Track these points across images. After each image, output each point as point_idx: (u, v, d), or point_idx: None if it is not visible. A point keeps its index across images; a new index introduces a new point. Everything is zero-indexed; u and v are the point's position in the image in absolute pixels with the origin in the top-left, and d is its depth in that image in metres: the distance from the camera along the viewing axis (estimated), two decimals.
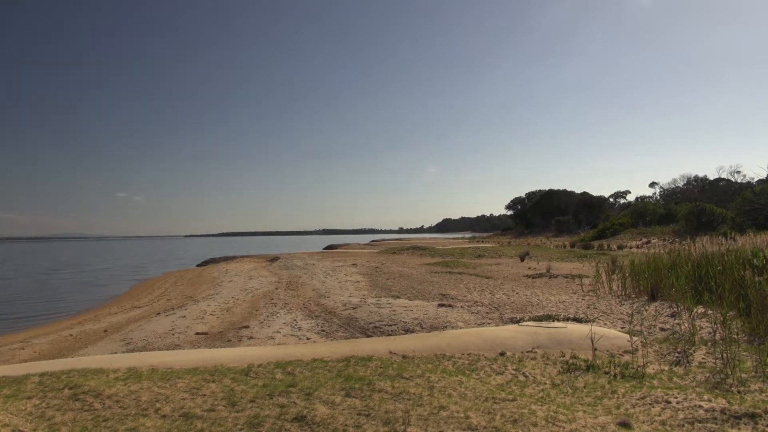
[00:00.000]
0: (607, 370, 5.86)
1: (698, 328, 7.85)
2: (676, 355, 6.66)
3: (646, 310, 10.42)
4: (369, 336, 9.77)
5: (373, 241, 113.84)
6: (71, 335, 12.45)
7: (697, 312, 8.78)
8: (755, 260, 10.17)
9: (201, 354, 7.07)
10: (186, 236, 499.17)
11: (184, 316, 13.31)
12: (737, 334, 6.97)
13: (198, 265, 41.22)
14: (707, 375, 5.54)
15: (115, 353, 9.03)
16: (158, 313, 14.69)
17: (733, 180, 67.46)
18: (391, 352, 6.74)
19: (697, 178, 74.03)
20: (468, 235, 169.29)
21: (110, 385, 4.84)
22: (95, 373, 5.40)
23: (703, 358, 6.33)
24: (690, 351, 6.73)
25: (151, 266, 46.09)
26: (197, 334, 10.87)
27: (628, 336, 7.24)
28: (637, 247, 36.59)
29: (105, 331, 12.69)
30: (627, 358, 6.50)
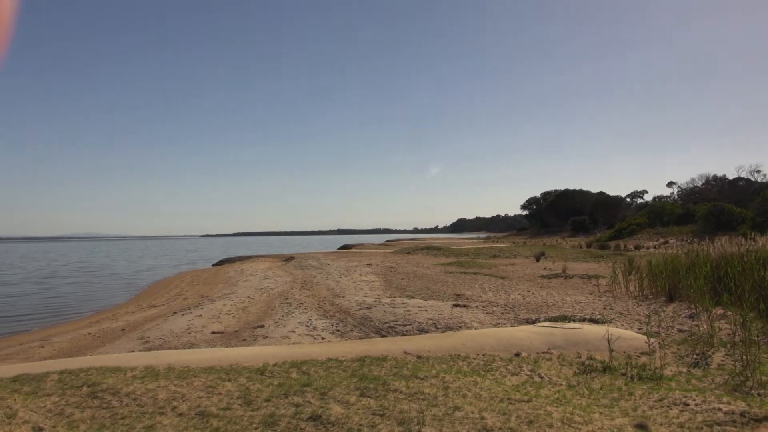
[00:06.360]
0: (623, 371, 5.80)
1: (717, 330, 7.74)
2: (695, 356, 6.57)
3: (664, 311, 10.29)
4: (384, 336, 9.78)
5: (387, 241, 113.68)
6: (90, 334, 12.62)
7: (715, 313, 8.65)
8: None
9: (217, 353, 7.11)
10: (202, 236, 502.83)
11: (200, 315, 13.42)
12: (757, 336, 6.85)
13: (213, 265, 41.53)
14: (726, 377, 5.46)
15: (133, 352, 9.13)
16: (175, 312, 14.83)
17: (753, 179, 66.37)
18: (405, 352, 6.74)
19: (716, 177, 72.88)
20: (483, 235, 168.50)
21: (128, 383, 4.90)
22: (113, 371, 5.46)
23: (722, 360, 6.24)
24: (708, 353, 6.63)
25: (168, 266, 46.54)
26: (213, 333, 10.95)
27: (645, 337, 7.16)
28: (655, 247, 36.18)
29: (123, 329, 12.84)
30: (644, 359, 6.43)
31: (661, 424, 3.93)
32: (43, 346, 11.23)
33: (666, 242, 39.71)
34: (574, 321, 9.51)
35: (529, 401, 4.41)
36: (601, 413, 4.16)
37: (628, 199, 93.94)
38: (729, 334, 7.26)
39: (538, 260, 29.46)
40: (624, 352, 6.73)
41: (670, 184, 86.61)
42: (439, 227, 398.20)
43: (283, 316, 12.65)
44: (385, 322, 10.96)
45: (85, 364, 6.03)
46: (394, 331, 10.10)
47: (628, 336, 7.53)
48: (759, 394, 4.72)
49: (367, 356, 6.40)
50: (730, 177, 69.94)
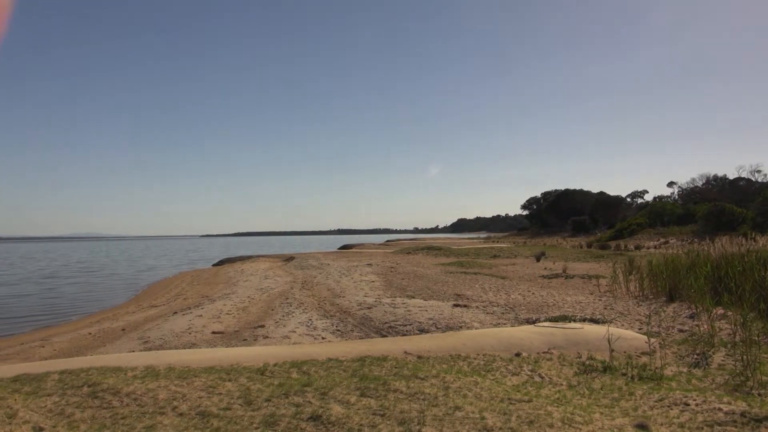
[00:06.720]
0: (624, 371, 5.79)
1: (717, 330, 7.74)
2: (695, 356, 6.57)
3: (664, 311, 10.29)
4: (384, 336, 9.78)
5: (388, 240, 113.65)
6: (90, 333, 12.62)
7: (716, 313, 8.65)
8: None
9: (217, 353, 7.12)
10: (202, 236, 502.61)
11: (201, 315, 13.42)
12: (758, 336, 6.85)
13: (214, 265, 41.52)
14: (727, 377, 5.46)
15: (133, 351, 9.13)
16: (175, 312, 14.83)
17: (753, 179, 66.39)
18: (406, 352, 6.74)
19: (717, 177, 72.88)
20: (483, 235, 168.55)
21: (128, 383, 4.90)
22: (113, 371, 5.46)
23: (722, 360, 6.23)
24: (709, 353, 6.63)
25: (168, 266, 46.55)
26: (213, 333, 10.95)
27: (645, 337, 7.16)
28: (655, 247, 36.17)
29: (123, 329, 12.84)
30: (645, 359, 6.43)
31: (662, 424, 3.92)
32: (43, 346, 11.23)
33: (666, 242, 39.70)
34: (574, 321, 9.51)
35: (529, 401, 4.41)
36: (601, 413, 4.16)
37: (628, 199, 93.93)
38: (729, 334, 7.26)
39: (538, 260, 29.44)
40: (624, 352, 6.73)
41: (670, 184, 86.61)
42: (440, 227, 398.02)
43: (283, 316, 12.65)
44: (386, 322, 10.96)
45: (86, 364, 6.03)
46: (395, 331, 10.10)
47: (628, 336, 7.53)
48: (760, 394, 4.72)
49: (367, 356, 6.40)
50: (731, 177, 69.99)
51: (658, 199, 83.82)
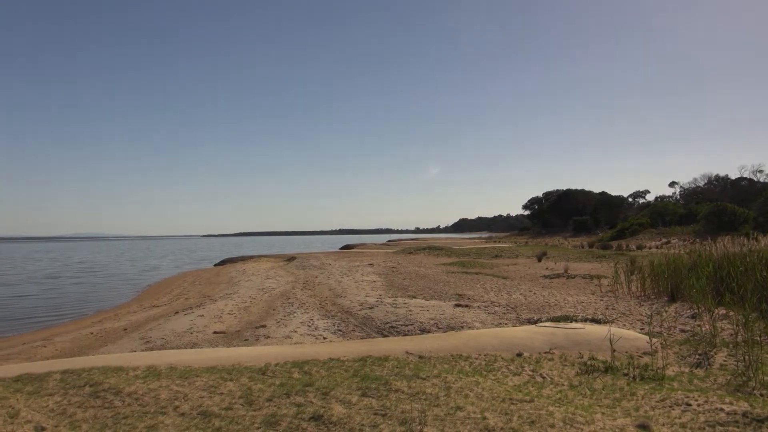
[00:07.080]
0: (626, 371, 5.79)
1: (719, 330, 7.73)
2: (697, 357, 6.56)
3: (666, 312, 10.28)
4: (385, 336, 9.78)
5: (389, 240, 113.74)
6: (92, 333, 12.64)
7: (718, 313, 8.64)
8: None
9: (219, 353, 7.13)
10: (203, 236, 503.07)
11: (202, 315, 13.43)
12: (759, 336, 6.85)
13: (215, 265, 41.58)
14: (729, 377, 5.45)
15: (135, 351, 9.15)
16: (177, 312, 14.85)
17: (755, 179, 66.40)
18: (407, 352, 6.74)
19: (718, 177, 72.91)
20: (485, 235, 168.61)
21: (130, 382, 4.91)
22: (115, 371, 5.47)
23: (724, 361, 6.23)
24: (711, 353, 6.63)
25: (170, 265, 46.61)
26: (215, 333, 10.97)
27: (647, 337, 7.15)
28: (657, 247, 36.13)
29: (125, 329, 12.86)
30: (646, 359, 6.42)
31: (664, 425, 3.92)
32: (45, 346, 11.25)
33: (668, 242, 39.64)
34: (576, 321, 9.50)
35: (531, 401, 4.41)
36: (603, 413, 4.16)
37: (630, 199, 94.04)
38: (731, 335, 7.25)
39: (540, 260, 29.43)
40: (626, 352, 6.72)
41: (672, 184, 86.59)
42: (441, 227, 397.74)
43: (284, 316, 12.66)
44: (387, 322, 10.96)
45: (87, 363, 6.05)
46: (396, 331, 10.10)
47: (630, 336, 7.53)
48: (761, 395, 4.72)
49: (368, 356, 6.41)
50: (733, 177, 70.10)
51: (660, 199, 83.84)
